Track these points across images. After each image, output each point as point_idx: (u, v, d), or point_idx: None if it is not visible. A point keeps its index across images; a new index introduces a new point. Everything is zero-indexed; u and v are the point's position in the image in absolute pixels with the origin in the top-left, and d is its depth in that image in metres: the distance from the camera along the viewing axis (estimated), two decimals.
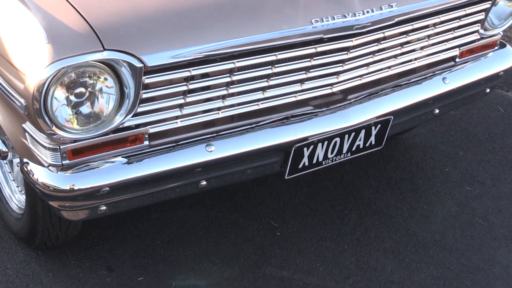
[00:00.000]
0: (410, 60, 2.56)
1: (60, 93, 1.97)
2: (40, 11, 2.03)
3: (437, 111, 2.73)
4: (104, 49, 1.94)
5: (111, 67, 1.98)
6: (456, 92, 2.72)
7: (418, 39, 2.53)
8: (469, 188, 3.23)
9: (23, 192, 2.66)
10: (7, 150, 2.46)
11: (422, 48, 2.57)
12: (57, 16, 2.02)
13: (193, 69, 2.07)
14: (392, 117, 2.54)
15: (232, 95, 2.22)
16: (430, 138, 3.56)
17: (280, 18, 2.18)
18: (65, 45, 1.94)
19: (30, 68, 1.95)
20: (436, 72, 2.70)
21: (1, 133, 2.54)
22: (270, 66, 2.21)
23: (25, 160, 2.17)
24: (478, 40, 2.74)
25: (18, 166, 2.66)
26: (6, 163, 2.79)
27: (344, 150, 2.52)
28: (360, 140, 2.53)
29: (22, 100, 2.00)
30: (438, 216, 3.05)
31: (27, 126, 2.12)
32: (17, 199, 2.74)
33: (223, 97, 2.20)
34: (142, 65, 1.97)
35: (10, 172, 2.79)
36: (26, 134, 2.13)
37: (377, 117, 2.49)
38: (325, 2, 2.26)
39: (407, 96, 2.59)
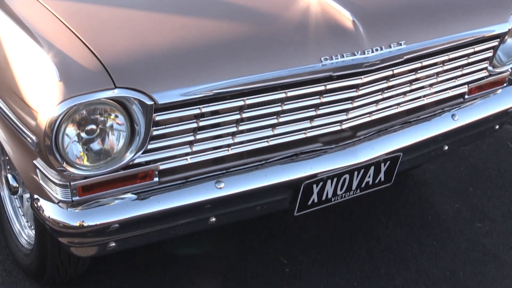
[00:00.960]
0: (419, 97, 2.57)
1: (71, 130, 1.98)
2: (52, 48, 2.06)
3: (446, 147, 2.73)
4: (116, 87, 1.96)
5: (122, 104, 2.00)
6: (465, 128, 2.73)
7: (427, 76, 2.54)
8: (479, 224, 3.21)
9: (32, 227, 2.67)
10: (17, 185, 2.47)
11: (431, 85, 2.58)
12: (69, 53, 2.04)
13: (203, 107, 2.08)
14: (401, 154, 2.54)
15: (242, 132, 2.23)
16: (439, 174, 3.55)
17: (289, 55, 2.20)
18: (77, 83, 1.96)
19: (42, 105, 1.97)
20: (445, 109, 2.70)
21: (12, 168, 2.56)
22: (279, 104, 2.22)
23: (35, 196, 2.18)
24: (486, 77, 2.75)
25: (28, 201, 2.67)
26: (16, 198, 2.80)
27: (354, 187, 2.52)
28: (369, 177, 2.53)
29: (33, 137, 2.02)
30: (448, 253, 3.03)
31: (38, 162, 2.13)
32: (26, 234, 2.75)
33: (233, 134, 2.21)
34: (152, 102, 1.99)
35: (20, 207, 2.80)
36: (37, 170, 2.14)
37: (386, 154, 2.49)
38: (335, 40, 2.28)
39: (416, 133, 2.59)
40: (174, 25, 2.22)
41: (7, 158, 2.65)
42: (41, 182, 2.14)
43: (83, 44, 2.07)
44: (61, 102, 1.91)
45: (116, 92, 1.96)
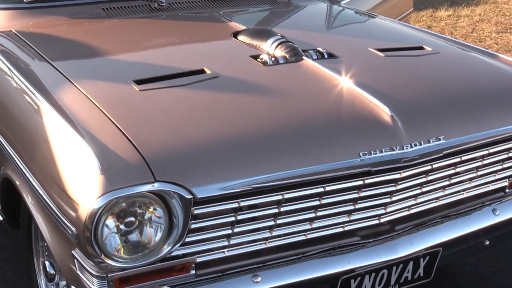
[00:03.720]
0: (459, 191, 2.55)
1: (110, 222, 2.00)
2: (93, 140, 2.10)
3: (487, 242, 2.68)
4: (156, 181, 1.98)
5: (161, 197, 2.01)
6: (507, 223, 2.68)
7: (467, 171, 2.52)
8: None
9: None
10: (54, 272, 2.48)
11: (470, 179, 2.55)
12: (110, 145, 2.08)
13: (242, 201, 2.09)
14: (441, 249, 2.49)
15: (279, 226, 2.22)
16: (480, 267, 3.47)
17: (328, 150, 2.21)
18: (118, 176, 1.98)
19: (82, 197, 2.00)
20: (486, 203, 2.66)
21: (50, 255, 2.57)
22: (317, 198, 2.22)
23: (72, 286, 2.18)
24: None
25: None
26: (53, 285, 2.80)
27: (392, 282, 2.47)
28: (408, 272, 2.48)
29: (73, 228, 2.04)
30: None
31: (76, 252, 2.14)
32: None
33: (270, 227, 2.21)
34: (191, 196, 2.00)
35: None
36: (75, 260, 2.15)
37: (425, 249, 2.45)
38: (373, 134, 2.29)
39: (456, 228, 2.55)
40: (213, 118, 2.26)
41: (45, 244, 2.67)
42: (78, 272, 2.15)
43: (124, 136, 2.11)
44: (102, 195, 1.94)
45: (156, 186, 1.98)
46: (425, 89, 2.60)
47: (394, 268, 2.42)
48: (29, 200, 2.39)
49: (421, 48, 3.02)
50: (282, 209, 2.18)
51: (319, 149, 2.21)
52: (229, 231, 2.14)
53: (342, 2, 3.97)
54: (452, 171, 2.46)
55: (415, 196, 2.43)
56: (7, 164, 2.58)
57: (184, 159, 2.06)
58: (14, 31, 3.02)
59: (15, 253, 3.47)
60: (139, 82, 2.44)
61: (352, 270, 2.34)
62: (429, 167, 2.37)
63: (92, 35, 3.11)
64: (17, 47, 2.93)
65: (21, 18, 3.13)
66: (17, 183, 2.48)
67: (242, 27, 3.05)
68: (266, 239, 2.22)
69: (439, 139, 2.36)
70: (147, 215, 2.03)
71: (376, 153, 2.24)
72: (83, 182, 2.02)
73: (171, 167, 2.03)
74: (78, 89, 2.42)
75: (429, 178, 2.41)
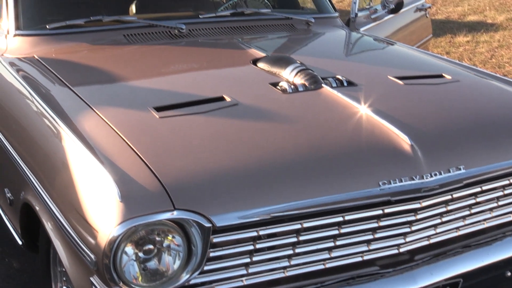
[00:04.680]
0: (479, 221, 2.52)
1: (129, 250, 2.00)
2: (113, 167, 2.11)
3: (509, 273, 2.64)
4: (175, 209, 1.98)
5: (180, 225, 2.01)
6: None
7: (487, 201, 2.50)
8: None
9: None
10: None
11: (491, 209, 2.53)
12: (130, 173, 2.09)
13: (261, 229, 2.08)
14: (461, 279, 2.46)
15: (298, 254, 2.21)
16: None
17: (348, 180, 2.20)
18: (137, 204, 1.99)
19: (102, 224, 2.00)
20: (507, 233, 2.63)
21: (68, 281, 2.57)
22: (336, 227, 2.21)
23: None
24: None
25: None
26: None
27: None
28: None
29: (92, 255, 2.04)
30: None
31: (95, 279, 2.14)
32: None
33: (289, 256, 2.19)
34: (211, 225, 2.00)
35: None
36: (93, 287, 2.14)
37: (445, 280, 2.42)
38: (393, 164, 2.28)
39: (477, 258, 2.52)
40: (233, 146, 2.27)
41: (63, 269, 2.67)
42: None
43: (144, 163, 2.12)
44: (121, 223, 1.94)
45: (175, 214, 1.98)
46: (445, 118, 2.59)
47: None
48: (48, 225, 2.40)
49: (441, 76, 3.01)
50: (301, 238, 2.17)
51: (339, 178, 2.20)
52: (248, 260, 2.13)
53: (361, 29, 3.98)
54: (473, 201, 2.44)
55: (435, 225, 2.41)
56: (27, 189, 2.59)
57: (203, 187, 2.06)
58: (37, 57, 3.06)
59: (33, 277, 3.48)
60: (159, 109, 2.45)
61: None
62: (449, 197, 2.36)
63: (113, 61, 3.14)
64: (39, 72, 2.96)
65: (43, 44, 3.17)
66: (37, 208, 2.50)
67: (262, 54, 3.07)
68: (284, 268, 2.21)
69: (459, 169, 2.34)
70: (165, 243, 2.03)
71: (395, 183, 2.23)
72: (103, 209, 2.03)
73: (191, 195, 2.03)
74: (98, 115, 2.44)
75: (449, 207, 2.39)
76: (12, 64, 3.05)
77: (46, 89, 2.83)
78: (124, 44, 3.24)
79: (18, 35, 3.19)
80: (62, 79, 2.79)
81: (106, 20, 3.31)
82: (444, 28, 8.78)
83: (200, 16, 3.51)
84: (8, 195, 2.92)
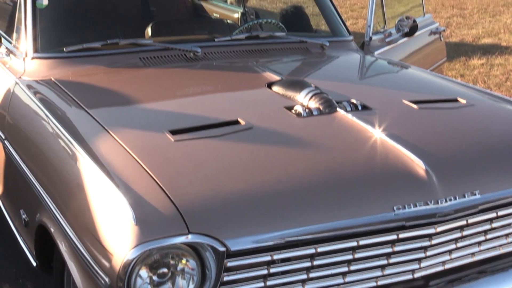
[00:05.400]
0: (495, 247, 2.50)
1: (143, 273, 2.00)
2: (128, 190, 2.12)
3: None
4: (189, 232, 1.99)
5: (195, 249, 2.02)
6: None
7: (503, 226, 2.48)
8: None
9: None
10: None
11: (507, 235, 2.51)
12: (145, 196, 2.10)
13: (275, 254, 2.08)
14: None
15: (312, 279, 2.20)
16: None
17: (362, 204, 2.20)
18: (152, 227, 2.00)
19: (116, 247, 2.01)
20: None
21: None
22: (351, 252, 2.20)
23: None
24: None
25: None
26: None
27: None
28: None
29: (106, 278, 2.04)
30: None
31: None
32: None
33: (303, 281, 2.19)
34: (225, 249, 2.01)
35: None
36: None
37: None
38: (407, 188, 2.27)
39: (493, 284, 2.49)
40: (248, 170, 2.28)
41: None
42: None
43: (159, 187, 2.13)
44: (136, 246, 1.95)
45: (189, 238, 1.98)
46: (460, 142, 2.59)
47: None
48: (63, 247, 2.41)
49: (456, 100, 3.01)
50: (315, 262, 2.16)
51: (353, 203, 2.20)
52: (262, 284, 2.13)
53: (376, 52, 4.00)
54: (488, 227, 2.43)
55: (450, 251, 2.39)
56: (42, 211, 2.61)
57: (218, 211, 2.07)
58: (54, 80, 3.09)
59: None
60: (174, 132, 2.47)
61: None
62: (464, 222, 2.34)
63: (128, 84, 3.17)
64: (56, 95, 3.00)
65: (60, 67, 3.20)
66: (52, 230, 2.51)
67: (276, 78, 3.08)
68: None
69: (475, 194, 2.33)
70: (180, 267, 2.03)
71: (410, 208, 2.23)
72: (117, 232, 2.04)
73: (205, 219, 2.04)
74: (114, 137, 2.46)
75: (464, 233, 2.38)
76: (29, 86, 3.09)
77: (62, 112, 2.86)
78: (140, 67, 3.27)
79: (36, 58, 3.23)
80: (79, 102, 2.82)
81: (122, 43, 3.35)
82: (459, 50, 8.78)
83: (215, 40, 3.54)
84: (24, 216, 2.93)
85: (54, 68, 3.20)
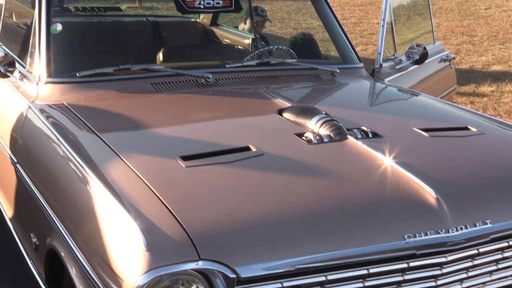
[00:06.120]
0: (506, 277, 2.48)
1: None
2: (139, 216, 2.13)
3: None
4: (200, 259, 1.99)
5: (205, 275, 2.02)
6: None
7: None
8: None
9: None
10: None
11: None
12: (155, 222, 2.10)
13: (285, 281, 2.08)
14: None
15: None
16: None
17: (372, 232, 2.20)
18: (163, 253, 2.00)
19: (127, 273, 2.01)
20: None
21: None
22: (361, 280, 2.19)
23: None
24: None
25: None
26: None
27: None
28: None
29: None
30: None
31: None
32: None
33: None
34: (235, 275, 2.00)
35: None
36: None
37: None
38: (418, 217, 2.27)
39: None
40: (258, 197, 2.28)
41: None
42: None
43: (170, 212, 2.13)
44: (146, 272, 1.95)
45: (200, 264, 1.98)
46: (471, 171, 2.59)
47: None
48: (73, 271, 2.41)
49: (466, 128, 3.01)
50: None
51: (363, 231, 2.20)
52: None
53: (386, 79, 4.01)
54: (500, 256, 2.41)
55: (461, 280, 2.37)
56: (53, 235, 2.62)
57: (228, 238, 2.07)
58: (66, 104, 3.11)
59: None
60: (185, 158, 2.48)
61: None
62: (476, 251, 2.33)
63: (140, 109, 3.19)
64: (68, 119, 3.02)
65: (73, 91, 3.23)
66: (62, 254, 2.51)
67: (287, 104, 3.10)
68: None
69: (486, 223, 2.33)
70: None
71: (421, 236, 2.22)
72: (128, 258, 2.04)
73: (216, 245, 2.04)
74: (125, 162, 2.47)
75: (476, 262, 2.37)
76: (42, 111, 3.12)
77: (74, 136, 2.88)
78: (151, 92, 3.29)
79: (49, 82, 3.26)
80: (90, 126, 2.84)
81: (134, 69, 3.38)
82: (468, 77, 8.79)
83: (226, 66, 3.56)
84: (34, 240, 2.94)
85: (66, 92, 3.22)
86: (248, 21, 5.53)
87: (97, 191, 2.35)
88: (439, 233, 2.24)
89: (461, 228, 2.27)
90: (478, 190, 2.45)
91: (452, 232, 2.26)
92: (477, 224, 2.31)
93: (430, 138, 2.84)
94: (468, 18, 13.66)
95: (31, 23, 3.66)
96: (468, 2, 15.64)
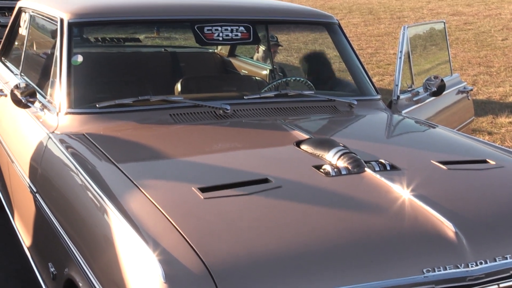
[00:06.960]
0: None
1: None
2: (157, 247, 2.13)
3: None
4: None
5: None
6: None
7: None
8: None
9: None
10: None
11: None
12: (174, 253, 2.11)
13: None
14: None
15: None
16: None
17: (391, 266, 2.19)
18: (181, 285, 2.00)
19: None
20: None
21: None
22: None
23: None
24: None
25: None
26: None
27: None
28: None
29: None
30: None
31: None
32: None
33: None
34: None
35: None
36: None
37: None
38: (437, 251, 2.26)
39: None
40: (277, 229, 2.28)
41: None
42: None
43: (188, 244, 2.14)
44: None
45: None
46: (490, 204, 2.57)
47: None
48: None
49: (485, 161, 3.00)
50: None
51: (382, 265, 2.19)
52: None
53: (403, 111, 4.01)
54: None
55: None
56: (71, 264, 2.63)
57: (247, 270, 2.07)
58: (85, 135, 3.14)
59: None
60: (203, 189, 2.49)
61: None
62: (496, 287, 2.31)
63: (158, 140, 3.21)
64: (87, 149, 3.05)
65: (93, 122, 3.26)
66: (80, 284, 2.52)
67: (305, 136, 3.10)
68: None
69: (506, 258, 2.30)
70: None
71: (440, 270, 2.21)
72: None
73: (234, 278, 2.04)
74: (143, 193, 2.48)
75: None
76: (62, 141, 3.15)
77: (93, 166, 2.90)
78: (170, 123, 3.32)
79: (69, 113, 3.29)
80: (109, 157, 2.86)
81: (153, 100, 3.41)
82: (486, 108, 8.76)
83: (244, 97, 3.58)
84: (52, 269, 2.96)
85: (86, 123, 3.26)
86: (260, 49, 5.56)
87: (115, 221, 2.36)
88: (458, 268, 2.22)
89: (481, 263, 2.25)
90: (497, 224, 2.43)
91: (472, 266, 2.24)
92: (497, 259, 2.29)
93: (448, 171, 2.84)
94: (485, 49, 13.65)
95: (52, 53, 3.72)
96: (484, 33, 15.65)
